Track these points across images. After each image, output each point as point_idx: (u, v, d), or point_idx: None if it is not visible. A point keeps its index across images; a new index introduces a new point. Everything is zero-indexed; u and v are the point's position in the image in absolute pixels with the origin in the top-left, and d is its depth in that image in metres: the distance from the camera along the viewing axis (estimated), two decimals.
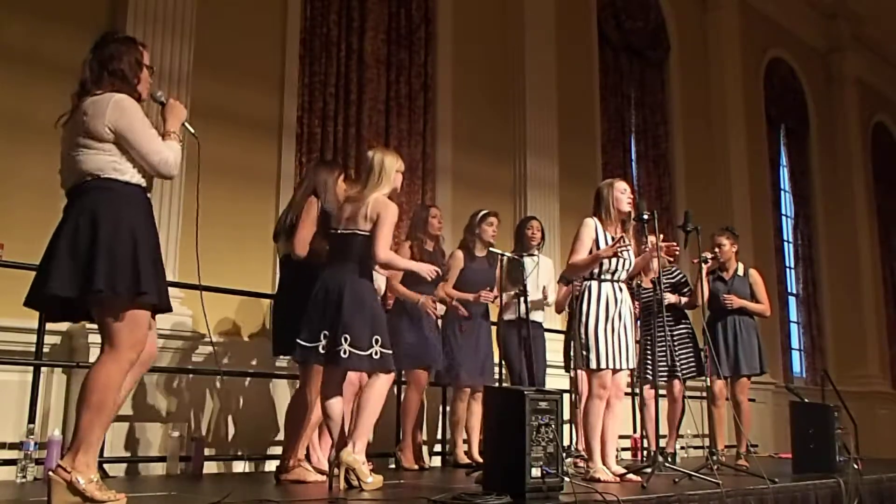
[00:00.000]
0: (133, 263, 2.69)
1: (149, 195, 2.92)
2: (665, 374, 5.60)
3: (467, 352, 5.24)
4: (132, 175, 2.80)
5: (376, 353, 3.55)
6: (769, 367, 6.60)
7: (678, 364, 5.60)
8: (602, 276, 4.16)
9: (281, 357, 5.08)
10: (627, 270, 4.26)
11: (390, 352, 3.63)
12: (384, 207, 3.64)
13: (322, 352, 3.56)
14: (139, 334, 2.73)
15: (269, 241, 4.57)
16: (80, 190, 2.78)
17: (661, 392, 5.63)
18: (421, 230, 5.19)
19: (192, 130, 3.08)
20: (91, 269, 2.64)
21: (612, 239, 4.21)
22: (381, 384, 3.61)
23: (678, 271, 5.94)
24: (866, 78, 12.90)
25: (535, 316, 5.53)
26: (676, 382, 5.68)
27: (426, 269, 3.90)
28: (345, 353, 3.49)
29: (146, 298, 2.71)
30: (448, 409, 5.83)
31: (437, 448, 5.98)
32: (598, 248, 4.16)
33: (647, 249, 4.48)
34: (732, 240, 5.87)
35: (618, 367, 4.09)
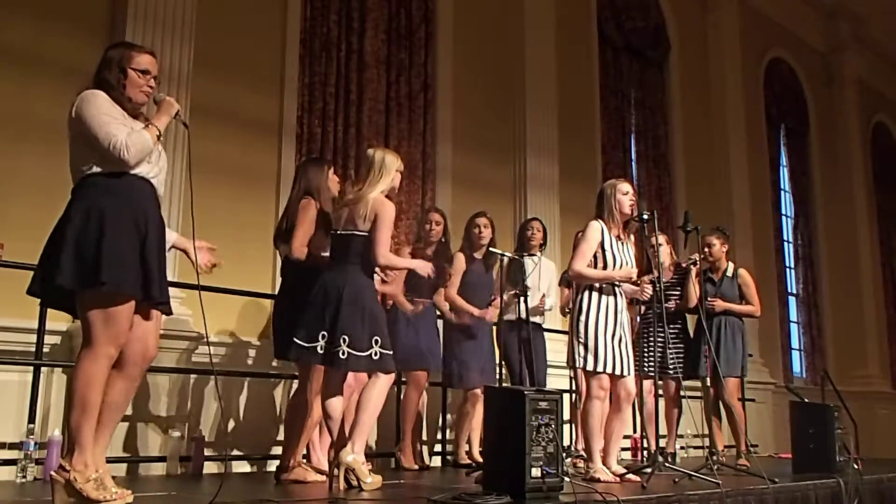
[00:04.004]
0: (96, 254, 2.65)
1: (149, 178, 2.86)
2: (659, 373, 5.60)
3: (473, 354, 5.24)
4: (106, 165, 2.77)
5: (376, 354, 3.54)
6: (751, 371, 6.60)
7: (670, 363, 5.60)
8: None
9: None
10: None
11: (390, 352, 3.63)
12: (381, 207, 3.63)
13: (320, 352, 3.55)
14: (114, 329, 2.69)
15: (269, 241, 4.57)
16: (73, 189, 2.83)
17: (659, 392, 5.64)
18: (425, 238, 5.23)
19: (184, 121, 3.05)
20: (56, 264, 2.67)
21: (616, 239, 4.21)
22: (382, 384, 3.60)
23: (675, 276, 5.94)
24: (866, 78, 12.90)
25: (534, 318, 5.53)
26: (671, 382, 5.68)
27: (422, 266, 3.90)
28: (343, 353, 3.49)
29: (106, 288, 2.65)
30: (447, 409, 5.83)
31: (438, 448, 5.98)
32: (602, 250, 4.16)
33: (640, 282, 4.49)
34: (723, 240, 5.85)
35: (619, 372, 4.09)
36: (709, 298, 5.70)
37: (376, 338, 3.56)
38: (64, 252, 2.67)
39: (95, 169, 2.77)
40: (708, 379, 5.54)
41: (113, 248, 2.67)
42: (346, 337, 3.50)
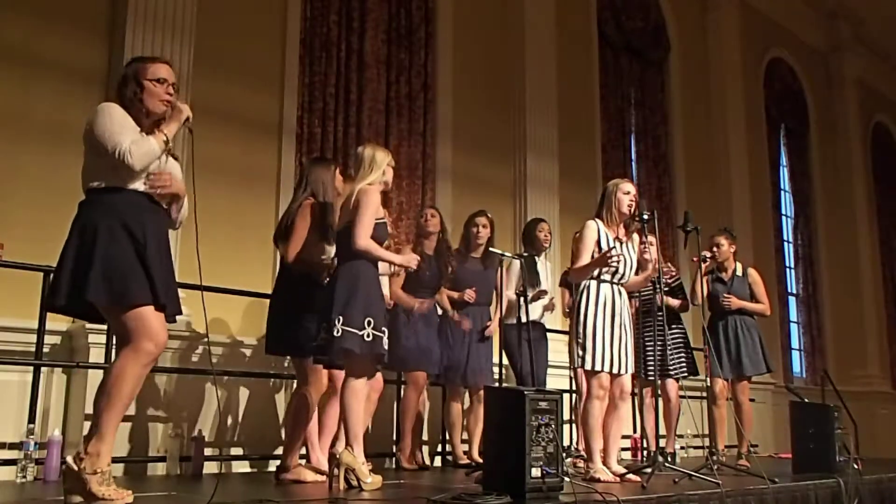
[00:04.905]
0: (86, 267, 2.73)
1: (150, 192, 2.89)
2: (659, 374, 5.59)
3: (461, 353, 5.25)
4: (114, 176, 2.82)
5: (368, 335, 3.52)
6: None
7: (671, 365, 5.60)
8: (602, 277, 4.16)
9: (278, 357, 5.11)
10: (628, 275, 4.25)
11: (382, 336, 3.59)
12: (363, 194, 3.66)
13: (323, 343, 3.56)
14: (148, 328, 2.74)
15: (270, 241, 4.57)
16: (79, 204, 2.88)
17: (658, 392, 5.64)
18: (420, 231, 5.24)
19: (190, 127, 3.03)
20: (56, 285, 2.79)
21: (615, 240, 4.22)
22: (354, 387, 3.57)
23: (674, 275, 5.95)
24: (866, 78, 12.90)
25: (540, 318, 5.55)
26: (671, 383, 5.68)
27: (407, 261, 3.85)
28: (338, 331, 3.49)
29: (98, 301, 2.73)
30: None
31: (438, 448, 5.98)
32: (599, 249, 4.17)
33: (647, 269, 4.43)
34: (730, 240, 5.87)
35: (616, 370, 4.09)
36: (723, 296, 5.71)
37: (369, 319, 3.54)
38: (63, 270, 2.77)
39: (96, 184, 2.82)
40: (709, 379, 5.53)
41: (107, 264, 2.72)
42: (341, 316, 3.51)
